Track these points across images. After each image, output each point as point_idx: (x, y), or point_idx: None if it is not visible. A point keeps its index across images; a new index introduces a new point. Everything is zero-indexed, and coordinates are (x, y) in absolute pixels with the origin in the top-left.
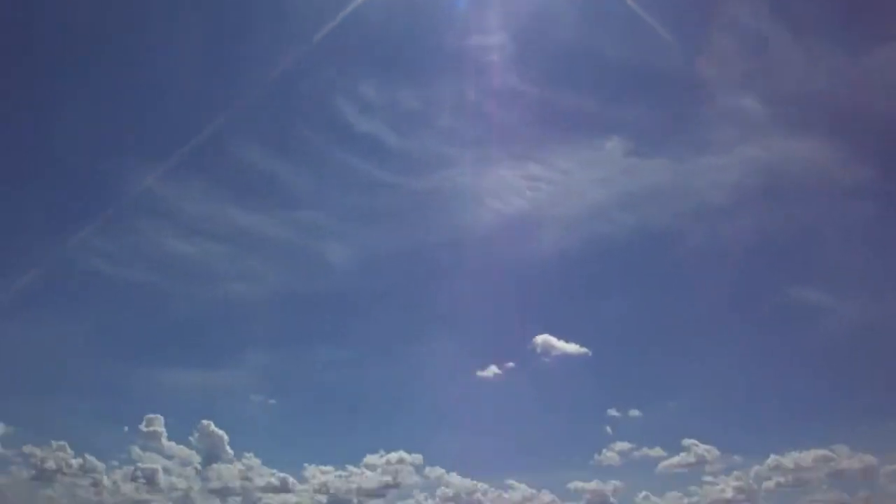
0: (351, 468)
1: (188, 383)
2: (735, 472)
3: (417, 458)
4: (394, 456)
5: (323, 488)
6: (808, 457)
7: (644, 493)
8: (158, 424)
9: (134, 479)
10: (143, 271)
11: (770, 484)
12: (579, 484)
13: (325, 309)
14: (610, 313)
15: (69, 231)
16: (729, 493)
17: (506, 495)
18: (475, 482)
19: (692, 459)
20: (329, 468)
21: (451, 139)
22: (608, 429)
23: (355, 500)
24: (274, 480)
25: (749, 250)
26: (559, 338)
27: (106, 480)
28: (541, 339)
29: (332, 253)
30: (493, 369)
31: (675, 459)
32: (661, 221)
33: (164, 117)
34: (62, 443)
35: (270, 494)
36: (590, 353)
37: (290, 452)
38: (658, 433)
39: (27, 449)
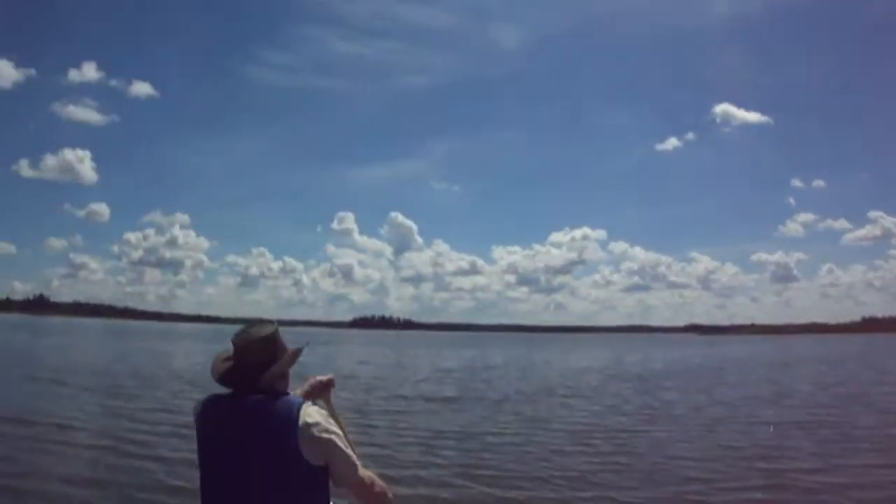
0: (537, 247)
1: (373, 179)
2: None
3: (601, 233)
4: (578, 233)
5: (510, 268)
6: None
7: (828, 265)
8: (349, 221)
9: (331, 275)
10: (317, 77)
11: None
12: (762, 256)
13: (500, 92)
14: (793, 80)
15: (241, 48)
16: None
17: (689, 268)
18: (658, 255)
19: (878, 232)
20: (515, 248)
21: None
22: (791, 200)
23: (542, 278)
24: (463, 264)
25: None
26: (739, 107)
27: (305, 279)
28: (720, 108)
29: (502, 35)
30: (672, 141)
31: (861, 232)
32: None
33: None
34: (262, 249)
35: (461, 277)
36: (772, 122)
37: (477, 236)
38: (843, 204)
39: (230, 259)
